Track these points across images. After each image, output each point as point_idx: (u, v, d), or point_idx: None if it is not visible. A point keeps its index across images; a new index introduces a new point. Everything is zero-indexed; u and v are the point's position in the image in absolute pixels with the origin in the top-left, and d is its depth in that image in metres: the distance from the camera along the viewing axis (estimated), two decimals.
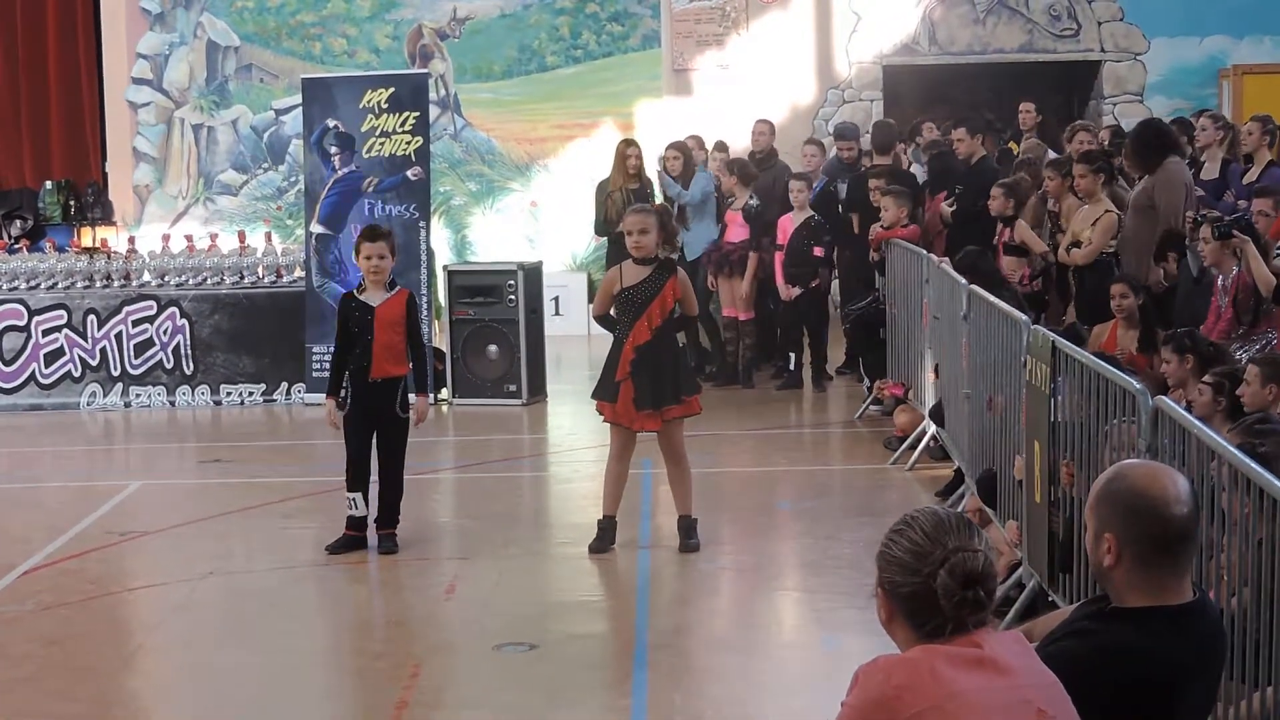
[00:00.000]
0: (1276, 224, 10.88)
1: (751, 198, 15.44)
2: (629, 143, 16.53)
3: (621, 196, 15.82)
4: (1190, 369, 8.89)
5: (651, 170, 16.64)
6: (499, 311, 15.11)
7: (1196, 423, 6.02)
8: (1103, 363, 7.19)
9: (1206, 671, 4.12)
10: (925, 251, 12.34)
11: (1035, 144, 16.17)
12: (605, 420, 9.86)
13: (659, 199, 15.92)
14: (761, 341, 16.13)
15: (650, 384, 9.60)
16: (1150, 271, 11.96)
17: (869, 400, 14.03)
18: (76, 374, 15.62)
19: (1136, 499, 4.02)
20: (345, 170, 15.50)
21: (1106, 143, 14.35)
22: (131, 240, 17.52)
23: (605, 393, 9.76)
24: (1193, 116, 15.59)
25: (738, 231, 15.40)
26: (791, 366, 15.50)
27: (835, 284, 16.09)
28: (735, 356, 15.68)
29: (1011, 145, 17.45)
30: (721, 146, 17.25)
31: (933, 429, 11.58)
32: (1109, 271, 11.71)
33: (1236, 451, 5.54)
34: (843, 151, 16.45)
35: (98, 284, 15.80)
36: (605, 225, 16.11)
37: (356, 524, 10.00)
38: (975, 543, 3.64)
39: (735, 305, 15.48)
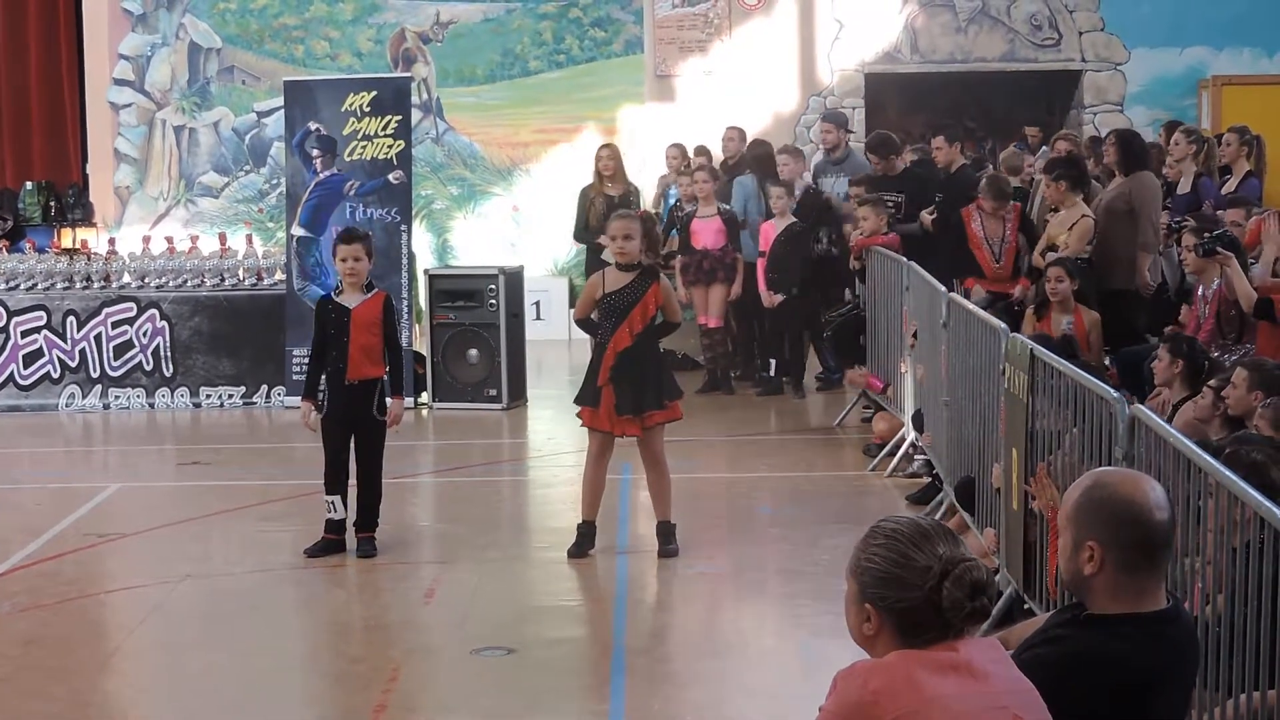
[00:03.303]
0: (1251, 233, 10.94)
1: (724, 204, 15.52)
2: (605, 146, 16.58)
3: (602, 202, 15.85)
4: (1179, 373, 8.97)
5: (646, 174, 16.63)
6: (480, 315, 15.11)
7: (1173, 431, 6.05)
8: (1080, 371, 7.21)
9: (1180, 678, 4.14)
10: (905, 259, 12.38)
11: (1013, 153, 16.22)
12: (584, 425, 9.86)
13: (645, 205, 15.92)
14: (732, 349, 16.12)
15: (631, 389, 9.61)
16: (1138, 274, 12.07)
17: (850, 406, 14.08)
18: (55, 375, 15.58)
19: (1119, 506, 4.04)
20: (327, 173, 15.49)
21: (1084, 148, 14.44)
22: (112, 242, 17.50)
23: (587, 398, 9.76)
24: (1163, 129, 15.69)
25: (711, 239, 15.40)
26: (772, 373, 15.52)
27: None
28: (714, 364, 15.69)
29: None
30: (703, 151, 17.27)
31: (912, 435, 11.60)
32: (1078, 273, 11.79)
33: (1212, 460, 5.56)
34: (823, 134, 16.45)
35: (77, 285, 15.77)
36: (584, 231, 16.15)
37: (335, 527, 9.99)
38: (965, 551, 3.65)
39: (709, 313, 15.50)
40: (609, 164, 16.16)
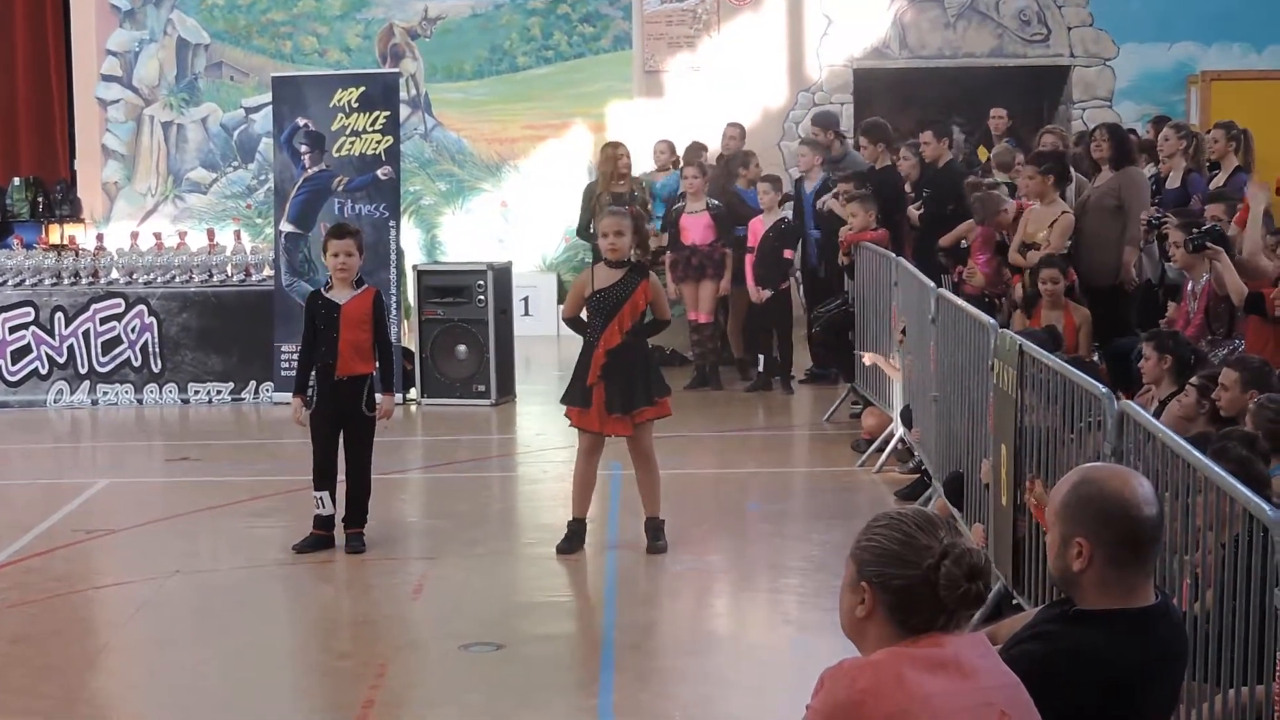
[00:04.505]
0: (1241, 214, 10.96)
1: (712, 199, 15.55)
2: (616, 144, 16.44)
3: (609, 199, 15.80)
4: (1167, 369, 8.97)
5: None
6: (468, 312, 15.10)
7: (1161, 426, 6.05)
8: (1069, 366, 7.22)
9: (1168, 674, 4.14)
10: (894, 254, 12.39)
11: (1005, 149, 16.22)
12: (573, 425, 9.85)
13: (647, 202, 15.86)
14: (721, 345, 16.16)
15: (621, 387, 9.60)
16: (1123, 269, 12.11)
17: (839, 402, 14.08)
18: (44, 371, 15.56)
19: (1108, 502, 4.04)
20: (315, 169, 15.48)
21: (1072, 143, 14.46)
22: (100, 238, 17.47)
23: (576, 398, 9.75)
24: (1150, 125, 15.73)
25: (701, 234, 15.40)
26: (760, 369, 15.52)
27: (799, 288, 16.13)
28: (702, 359, 15.70)
29: (981, 150, 17.48)
30: (700, 148, 17.18)
31: (900, 431, 11.60)
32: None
33: (1201, 455, 5.57)
34: (815, 137, 16.52)
35: (65, 281, 15.74)
36: (589, 230, 16.11)
37: (324, 523, 9.99)
38: (966, 539, 3.67)
39: (699, 309, 15.51)
40: (627, 161, 16.05)
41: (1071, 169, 13.15)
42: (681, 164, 16.71)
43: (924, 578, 3.58)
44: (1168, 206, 12.55)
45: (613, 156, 16.10)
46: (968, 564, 3.59)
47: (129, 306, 15.54)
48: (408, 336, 15.83)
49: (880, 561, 3.63)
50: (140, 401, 15.48)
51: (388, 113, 15.52)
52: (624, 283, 9.66)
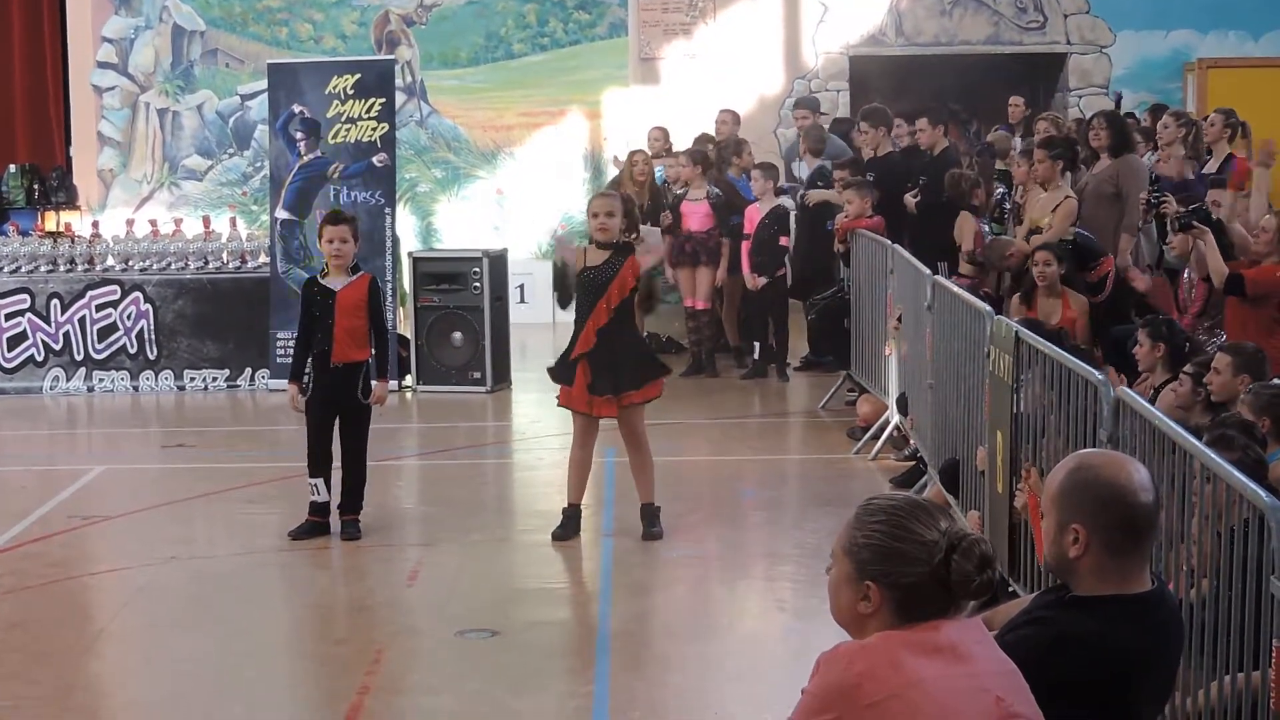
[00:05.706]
0: (1239, 174, 10.95)
1: (712, 186, 15.53)
2: (636, 152, 16.39)
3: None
4: (1161, 357, 8.97)
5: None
6: (464, 299, 15.10)
7: (1158, 413, 6.05)
8: (1065, 353, 7.22)
9: (1164, 660, 4.14)
10: (890, 242, 12.38)
11: (1002, 136, 16.22)
12: (561, 404, 9.85)
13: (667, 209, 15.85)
14: (717, 332, 16.16)
15: (609, 369, 9.60)
16: (1120, 255, 12.11)
17: (834, 389, 14.08)
18: (39, 358, 15.54)
19: (1104, 488, 4.03)
20: (311, 156, 15.46)
21: (1071, 131, 14.43)
22: (95, 225, 17.44)
23: (559, 373, 9.76)
24: (1147, 114, 15.71)
25: (700, 222, 15.40)
26: (756, 356, 15.52)
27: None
28: (698, 346, 15.70)
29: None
30: (705, 139, 17.08)
31: (896, 419, 11.60)
32: (1066, 257, 11.80)
33: (1197, 443, 5.57)
34: (798, 120, 16.52)
35: (61, 268, 15.72)
36: None
37: (319, 509, 9.99)
38: (964, 525, 3.64)
39: (696, 296, 15.50)
40: (644, 169, 16.05)
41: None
42: (674, 150, 16.68)
43: (934, 573, 3.56)
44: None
45: (631, 162, 16.07)
46: (978, 555, 3.57)
47: (125, 293, 15.53)
48: (403, 323, 15.82)
49: (883, 560, 3.60)
50: (136, 388, 15.47)
51: (383, 100, 15.51)
52: (611, 262, 9.68)
